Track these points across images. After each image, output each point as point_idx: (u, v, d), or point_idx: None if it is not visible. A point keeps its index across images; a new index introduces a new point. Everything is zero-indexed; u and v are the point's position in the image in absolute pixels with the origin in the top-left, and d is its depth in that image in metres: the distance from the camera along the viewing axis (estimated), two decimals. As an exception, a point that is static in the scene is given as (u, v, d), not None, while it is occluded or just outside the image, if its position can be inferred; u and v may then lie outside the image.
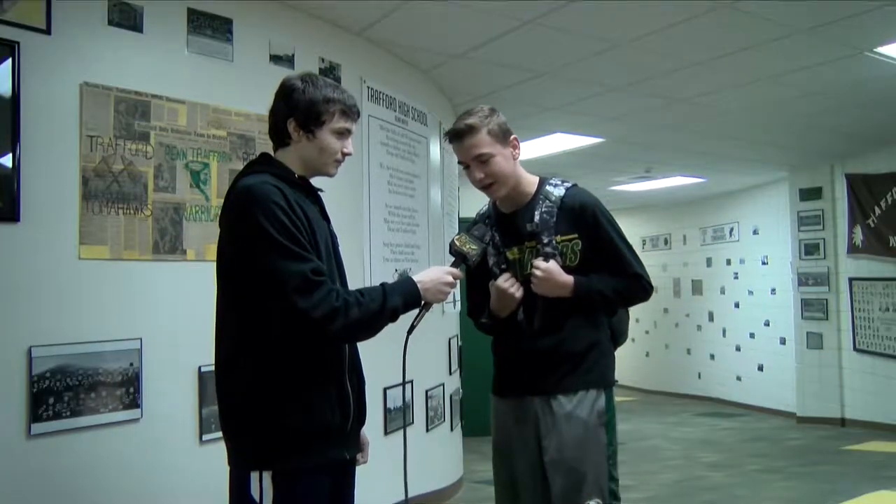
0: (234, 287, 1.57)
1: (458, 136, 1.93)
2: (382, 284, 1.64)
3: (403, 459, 1.79)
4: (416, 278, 1.70)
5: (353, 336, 1.62)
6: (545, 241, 1.94)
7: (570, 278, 1.92)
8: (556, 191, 1.99)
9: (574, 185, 2.03)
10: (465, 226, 2.06)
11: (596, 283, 1.95)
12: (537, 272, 1.91)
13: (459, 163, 2.00)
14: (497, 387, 2.10)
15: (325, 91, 1.65)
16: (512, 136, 1.97)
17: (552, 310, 1.95)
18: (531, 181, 2.03)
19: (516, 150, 1.99)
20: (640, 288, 2.00)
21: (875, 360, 6.70)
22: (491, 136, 1.91)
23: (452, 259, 1.88)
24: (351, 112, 1.69)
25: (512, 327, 2.01)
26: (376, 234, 3.70)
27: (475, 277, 2.08)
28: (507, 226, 2.04)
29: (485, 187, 1.98)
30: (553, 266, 1.91)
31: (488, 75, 4.29)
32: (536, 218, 1.96)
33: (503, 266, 2.02)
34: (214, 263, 1.63)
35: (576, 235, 1.95)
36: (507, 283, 1.96)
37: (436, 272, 1.74)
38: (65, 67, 2.46)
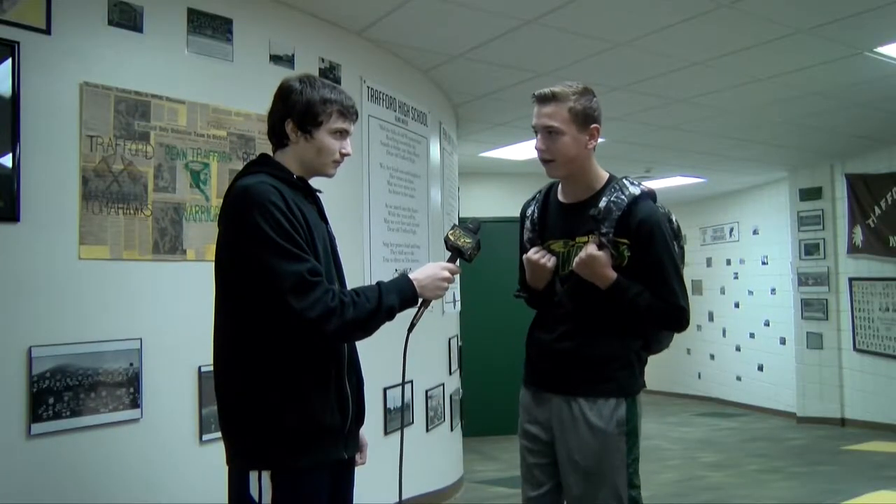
0: (233, 287, 1.57)
1: (541, 99, 1.89)
2: (378, 283, 1.64)
3: (399, 461, 1.79)
4: (412, 276, 1.69)
5: (349, 336, 1.62)
6: (604, 230, 1.86)
7: (613, 274, 1.85)
8: (633, 189, 1.90)
9: (647, 194, 1.92)
10: (462, 219, 2.05)
11: (634, 292, 1.86)
12: (583, 255, 1.85)
13: (532, 126, 1.94)
14: (524, 377, 2.10)
15: (322, 92, 1.65)
16: (593, 125, 1.91)
17: (581, 297, 1.91)
18: (600, 177, 1.96)
19: (592, 140, 1.92)
20: (676, 320, 1.91)
21: (875, 360, 6.69)
22: (570, 115, 1.86)
23: (449, 255, 1.86)
24: (348, 112, 1.69)
25: (549, 297, 1.99)
26: (376, 234, 3.70)
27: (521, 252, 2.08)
28: (562, 215, 1.99)
29: (543, 161, 1.93)
30: (603, 256, 1.85)
31: (488, 75, 4.29)
32: (602, 204, 1.88)
33: (536, 242, 2.01)
34: (213, 263, 1.63)
35: (628, 242, 1.88)
36: (537, 254, 1.95)
37: (432, 269, 1.73)
38: (65, 67, 2.46)
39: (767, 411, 8.17)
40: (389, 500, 3.32)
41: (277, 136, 1.69)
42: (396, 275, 1.73)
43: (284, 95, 1.67)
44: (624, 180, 1.93)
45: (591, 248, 1.85)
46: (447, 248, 1.86)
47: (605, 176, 1.98)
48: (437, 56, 4.02)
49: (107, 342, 2.49)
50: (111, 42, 2.60)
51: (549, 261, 1.94)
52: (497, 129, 5.59)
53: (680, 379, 9.91)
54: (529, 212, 2.08)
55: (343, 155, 1.71)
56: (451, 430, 4.71)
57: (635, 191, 1.90)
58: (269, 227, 1.49)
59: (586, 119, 1.89)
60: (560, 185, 2.04)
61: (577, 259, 1.88)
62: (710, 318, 9.41)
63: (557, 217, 2.01)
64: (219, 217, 1.63)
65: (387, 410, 3.68)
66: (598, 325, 1.91)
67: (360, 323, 1.55)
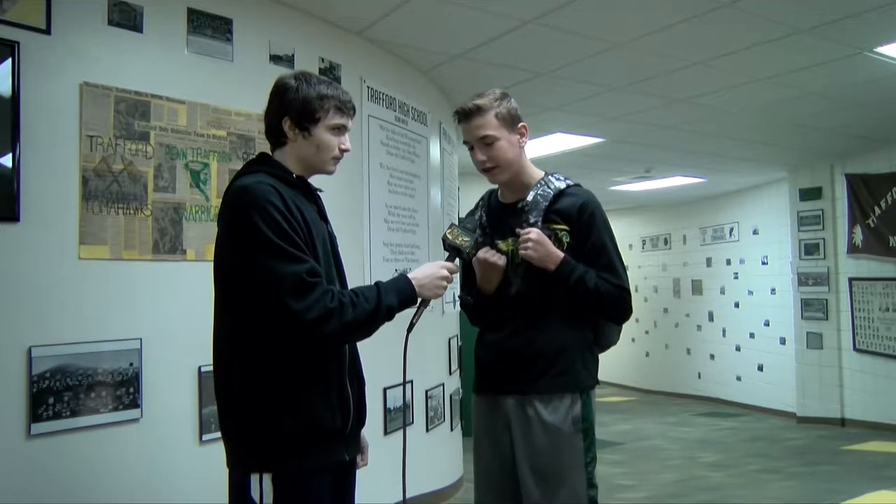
0: (232, 287, 1.56)
1: (465, 115, 1.92)
2: (377, 283, 1.63)
3: (402, 460, 1.79)
4: (410, 275, 1.68)
5: (349, 337, 1.61)
6: (532, 220, 1.91)
7: (560, 252, 1.88)
8: (558, 183, 1.97)
9: (577, 185, 1.99)
10: (461, 218, 2.05)
11: (583, 271, 1.88)
12: (532, 235, 1.86)
13: (465, 143, 1.98)
14: (475, 384, 2.11)
15: (318, 88, 1.64)
16: (520, 124, 1.95)
17: (536, 286, 1.91)
18: (535, 174, 2.00)
19: (523, 138, 1.97)
20: (622, 303, 1.93)
21: (875, 360, 6.69)
22: (498, 120, 1.90)
23: (447, 254, 1.85)
24: (346, 108, 1.68)
25: (498, 300, 1.98)
26: (376, 234, 3.70)
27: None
28: (505, 216, 2.01)
29: (486, 170, 1.95)
30: (545, 237, 1.88)
31: (488, 75, 4.29)
32: (529, 198, 1.94)
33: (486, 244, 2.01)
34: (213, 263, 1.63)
35: (567, 228, 1.91)
36: (487, 253, 1.94)
37: (430, 268, 1.72)
38: (65, 67, 2.46)
39: (767, 411, 8.17)
40: (390, 501, 3.32)
41: (275, 135, 1.68)
42: (396, 275, 1.72)
43: (280, 93, 1.65)
44: (550, 177, 1.99)
45: (531, 230, 1.88)
46: (445, 248, 1.85)
47: (540, 173, 2.02)
48: (437, 56, 4.02)
49: (107, 342, 2.49)
50: (111, 42, 2.60)
51: (499, 259, 1.94)
52: (497, 129, 5.58)
53: (680, 379, 9.90)
54: (476, 217, 2.08)
55: (342, 151, 1.70)
56: (451, 430, 4.71)
57: (561, 185, 1.96)
58: (268, 228, 1.48)
59: (513, 120, 1.94)
60: (499, 189, 2.08)
61: (526, 245, 1.87)
62: (710, 318, 9.40)
63: (501, 218, 2.03)
64: (218, 216, 1.62)
65: (387, 410, 3.68)
66: (549, 316, 1.91)
67: (360, 324, 1.54)
